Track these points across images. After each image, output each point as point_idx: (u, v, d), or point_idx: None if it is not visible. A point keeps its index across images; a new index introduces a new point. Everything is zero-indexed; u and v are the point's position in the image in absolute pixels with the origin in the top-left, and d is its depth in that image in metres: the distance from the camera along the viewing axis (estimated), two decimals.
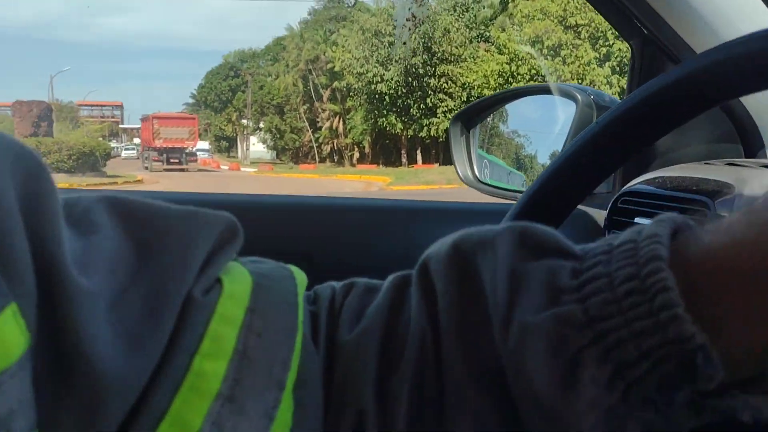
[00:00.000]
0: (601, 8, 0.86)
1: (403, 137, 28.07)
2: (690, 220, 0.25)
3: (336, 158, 33.45)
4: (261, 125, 37.42)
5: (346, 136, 31.73)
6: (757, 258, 0.21)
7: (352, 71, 27.08)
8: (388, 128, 27.34)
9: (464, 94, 24.35)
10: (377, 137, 29.85)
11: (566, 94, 1.04)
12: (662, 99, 0.49)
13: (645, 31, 0.86)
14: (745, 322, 0.21)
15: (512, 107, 1.32)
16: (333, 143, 33.21)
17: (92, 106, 54.21)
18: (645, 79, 0.93)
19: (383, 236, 0.94)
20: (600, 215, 0.89)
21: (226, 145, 44.90)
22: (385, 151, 30.51)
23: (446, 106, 24.78)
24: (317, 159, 33.98)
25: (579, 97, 0.99)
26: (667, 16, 0.81)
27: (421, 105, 25.54)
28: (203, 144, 41.79)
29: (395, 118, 26.64)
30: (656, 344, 0.22)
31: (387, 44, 25.99)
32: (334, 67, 29.19)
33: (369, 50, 26.46)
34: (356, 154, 32.03)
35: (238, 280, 0.29)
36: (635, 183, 0.86)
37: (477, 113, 1.20)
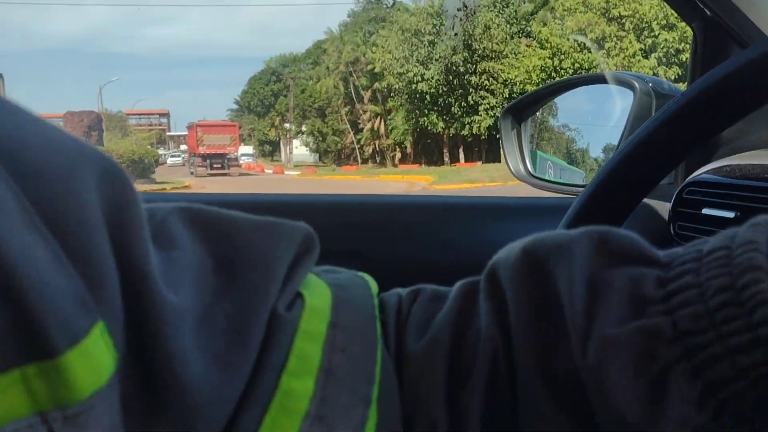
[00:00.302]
0: None
1: (444, 136, 27.95)
2: None
3: (378, 159, 33.50)
4: (303, 128, 37.81)
5: (387, 137, 31.76)
6: None
7: (392, 72, 27.08)
8: (429, 127, 27.25)
9: (506, 90, 24.07)
10: (419, 137, 29.78)
11: (623, 83, 1.00)
12: (738, 82, 0.48)
13: (708, 12, 0.82)
14: None
15: (562, 100, 1.29)
16: (375, 144, 33.29)
17: (140, 114, 55.65)
18: (708, 64, 0.89)
19: (430, 233, 0.93)
20: (663, 207, 0.86)
21: (270, 149, 45.49)
22: (427, 150, 30.42)
23: (488, 104, 24.55)
24: (359, 160, 34.10)
25: (637, 85, 0.96)
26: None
27: (463, 103, 25.37)
28: (247, 149, 42.47)
29: (436, 117, 26.53)
30: (757, 361, 0.21)
31: (427, 43, 25.90)
32: (374, 68, 29.27)
33: (409, 50, 26.41)
34: (398, 155, 32.02)
35: (318, 293, 0.29)
36: (700, 173, 0.82)
37: (528, 106, 1.17)
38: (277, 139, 42.53)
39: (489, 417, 0.26)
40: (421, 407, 0.28)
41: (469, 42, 24.69)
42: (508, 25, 25.06)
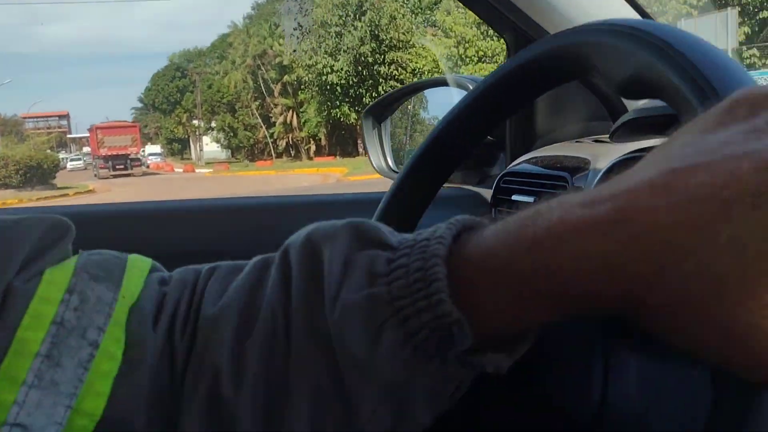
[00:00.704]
0: (474, 7, 0.94)
1: (358, 127, 28.03)
2: (478, 222, 0.32)
3: (293, 153, 33.25)
4: (213, 125, 36.92)
5: (301, 130, 31.58)
6: (498, 264, 0.28)
7: (301, 64, 26.94)
8: (342, 119, 27.33)
9: (415, 79, 24.44)
10: (333, 128, 29.79)
11: (460, 86, 1.12)
12: (498, 90, 0.57)
13: (516, 26, 0.94)
14: (492, 307, 0.29)
15: (430, 94, 1.41)
16: (288, 138, 32.99)
17: (37, 117, 52.62)
18: None
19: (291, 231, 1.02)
20: (489, 194, 0.98)
21: (179, 147, 44.14)
22: (342, 141, 30.48)
23: None
24: (273, 155, 33.72)
25: (471, 87, 1.08)
26: (531, 13, 0.91)
27: (374, 93, 25.56)
28: (155, 148, 41.13)
29: (349, 108, 26.64)
30: (429, 319, 0.30)
31: (334, 34, 25.91)
32: (282, 60, 29.00)
33: (316, 41, 26.34)
34: (313, 147, 31.91)
35: (60, 270, 0.36)
36: (516, 163, 0.96)
37: (386, 107, 1.28)
38: (186, 136, 41.32)
39: (268, 361, 0.34)
40: (209, 356, 0.35)
41: (376, 33, 24.90)
42: (413, 15, 25.45)
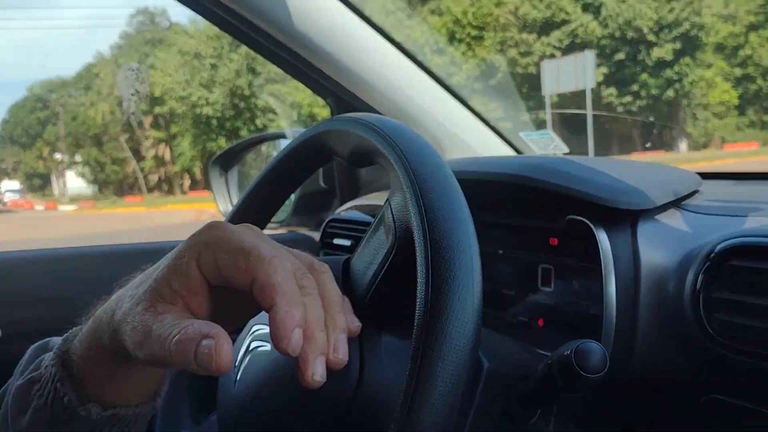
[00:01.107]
0: (298, 77, 1.08)
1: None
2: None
3: (166, 187, 32.05)
4: (78, 159, 34.88)
5: (174, 164, 30.56)
6: (86, 337, 0.43)
7: (173, 95, 26.23)
8: (218, 152, 26.70)
9: (294, 113, 24.51)
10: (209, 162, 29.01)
11: None
12: (291, 159, 0.69)
13: (335, 94, 1.10)
14: (87, 366, 0.42)
15: (284, 141, 1.53)
16: (161, 172, 31.79)
17: None
18: None
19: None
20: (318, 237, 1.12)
21: (41, 182, 41.15)
22: None
23: (277, 126, 24.72)
24: (145, 190, 32.32)
25: None
26: (346, 84, 1.07)
27: (251, 126, 25.34)
28: (13, 184, 38.09)
29: (225, 142, 26.12)
30: (51, 384, 0.43)
31: (209, 66, 25.53)
32: (154, 92, 28.06)
33: (190, 73, 25.81)
34: (188, 182, 30.93)
35: None
36: (341, 210, 1.10)
37: (232, 157, 1.40)
38: (48, 171, 38.63)
39: None
40: None
41: (253, 66, 24.81)
42: None
